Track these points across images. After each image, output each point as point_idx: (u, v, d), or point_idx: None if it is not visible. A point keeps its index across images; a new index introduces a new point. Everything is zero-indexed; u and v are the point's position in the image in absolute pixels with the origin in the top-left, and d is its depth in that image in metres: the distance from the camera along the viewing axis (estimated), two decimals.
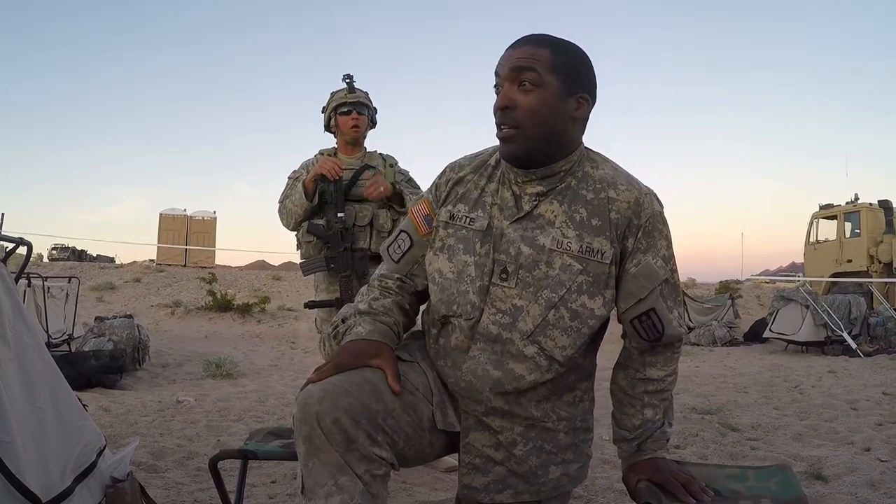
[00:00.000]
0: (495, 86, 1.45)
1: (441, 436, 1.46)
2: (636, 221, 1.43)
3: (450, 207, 1.53)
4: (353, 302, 2.80)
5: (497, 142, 1.47)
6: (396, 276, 1.60)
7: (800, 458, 3.27)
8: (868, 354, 9.19)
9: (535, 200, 1.45)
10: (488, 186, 1.51)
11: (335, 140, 3.32)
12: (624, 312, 1.48)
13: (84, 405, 1.96)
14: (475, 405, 1.45)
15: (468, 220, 1.49)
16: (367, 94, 3.27)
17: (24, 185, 54.12)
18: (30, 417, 1.59)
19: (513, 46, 1.44)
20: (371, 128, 3.33)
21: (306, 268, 3.17)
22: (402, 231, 1.62)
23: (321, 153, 3.29)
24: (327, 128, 3.32)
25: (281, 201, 3.19)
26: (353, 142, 3.25)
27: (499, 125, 1.43)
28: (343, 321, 1.54)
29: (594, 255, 1.41)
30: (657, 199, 1.48)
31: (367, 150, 3.33)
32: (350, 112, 3.17)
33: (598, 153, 1.53)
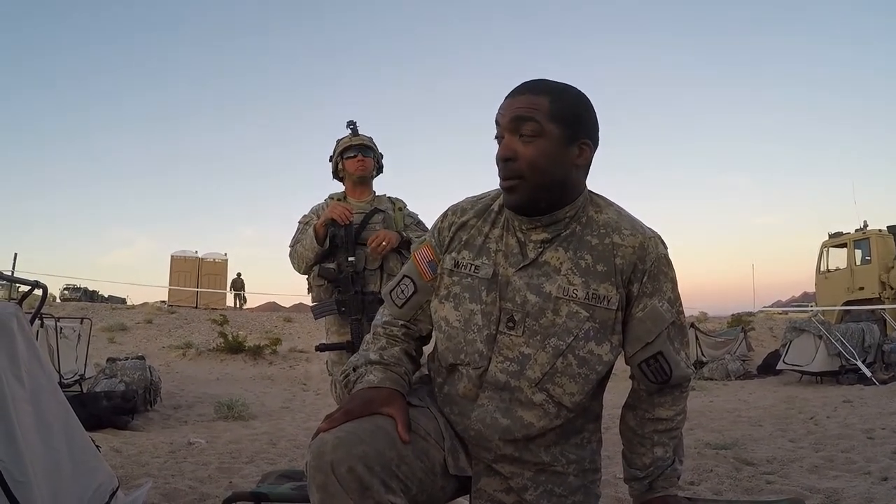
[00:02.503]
0: (496, 136, 1.45)
1: (453, 480, 1.46)
2: (641, 266, 1.42)
3: (454, 255, 1.51)
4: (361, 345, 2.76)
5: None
6: (401, 322, 1.59)
7: (816, 491, 3.22)
8: (883, 382, 9.08)
9: (541, 248, 1.45)
10: (492, 232, 1.50)
11: (344, 186, 3.38)
12: (632, 357, 1.47)
13: (97, 446, 1.98)
14: (485, 452, 1.46)
15: (473, 267, 1.48)
16: (371, 138, 3.34)
17: (36, 225, 54.67)
18: (44, 458, 1.60)
19: (512, 95, 1.44)
20: (378, 172, 3.39)
21: (317, 311, 3.20)
22: (405, 276, 1.60)
23: (331, 197, 3.35)
24: (335, 174, 3.39)
25: (292, 245, 3.24)
26: (361, 182, 3.30)
27: (501, 176, 1.43)
28: (354, 369, 1.52)
29: (600, 301, 1.41)
30: (661, 242, 1.47)
31: (377, 194, 3.38)
32: (356, 155, 3.24)
33: (601, 196, 1.53)
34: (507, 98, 1.45)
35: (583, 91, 1.48)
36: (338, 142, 3.33)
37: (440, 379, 1.54)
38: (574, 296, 1.40)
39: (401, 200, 3.41)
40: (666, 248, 1.48)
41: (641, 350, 1.45)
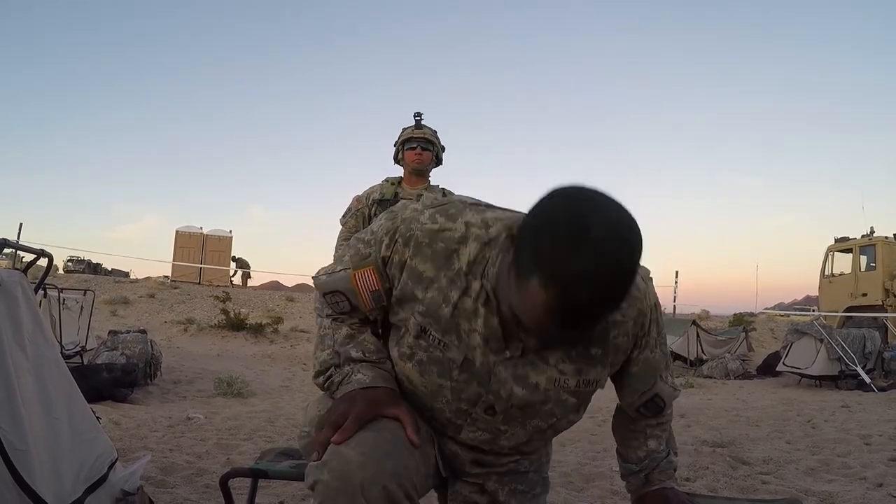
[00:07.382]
0: None
1: (438, 476, 1.45)
2: (642, 332, 1.34)
3: (418, 318, 1.27)
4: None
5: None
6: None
7: (811, 493, 3.23)
8: (882, 389, 9.08)
9: None
10: (463, 303, 1.24)
11: (403, 171, 3.57)
12: (629, 404, 1.47)
13: (98, 417, 1.99)
14: (456, 466, 1.47)
15: (441, 343, 1.27)
16: (435, 132, 3.52)
17: (41, 198, 54.83)
18: (45, 427, 1.61)
19: None
20: (436, 165, 3.57)
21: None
22: (338, 292, 1.34)
23: (387, 181, 3.55)
24: (396, 160, 3.57)
25: (343, 224, 3.50)
26: (418, 174, 3.49)
27: None
28: (336, 368, 1.35)
29: (590, 385, 1.33)
30: (648, 280, 1.35)
31: (430, 184, 3.55)
32: (415, 148, 3.43)
33: None
34: None
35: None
36: (403, 130, 3.53)
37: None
38: (565, 385, 1.29)
39: (452, 194, 3.51)
40: (651, 281, 1.36)
41: (639, 397, 1.44)
